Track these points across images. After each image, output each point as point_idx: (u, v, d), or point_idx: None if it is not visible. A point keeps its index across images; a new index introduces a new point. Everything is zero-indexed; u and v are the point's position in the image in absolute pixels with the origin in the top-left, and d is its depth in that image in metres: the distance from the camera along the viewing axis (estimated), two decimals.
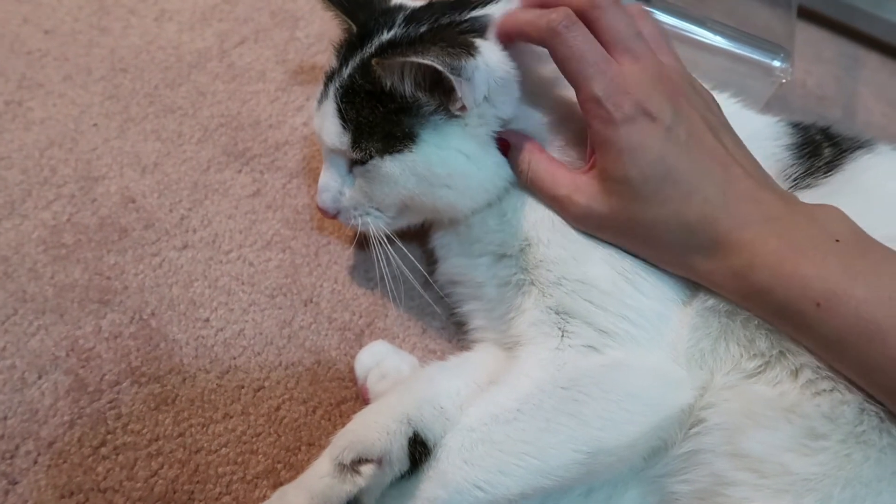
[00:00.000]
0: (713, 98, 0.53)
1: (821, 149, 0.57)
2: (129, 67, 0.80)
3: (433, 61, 0.49)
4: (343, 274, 0.68)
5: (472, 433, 0.48)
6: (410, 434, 0.49)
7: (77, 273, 0.64)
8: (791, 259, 0.45)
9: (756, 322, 0.48)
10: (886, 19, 1.08)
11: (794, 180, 0.55)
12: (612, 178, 0.49)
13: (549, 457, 0.47)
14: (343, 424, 0.51)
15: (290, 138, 0.77)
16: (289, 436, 0.58)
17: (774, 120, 0.61)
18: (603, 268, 0.52)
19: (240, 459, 0.56)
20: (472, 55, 0.49)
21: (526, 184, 0.55)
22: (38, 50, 0.80)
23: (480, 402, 0.50)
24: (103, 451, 0.55)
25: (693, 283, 0.51)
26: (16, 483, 0.52)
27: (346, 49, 0.58)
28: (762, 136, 0.58)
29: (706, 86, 0.61)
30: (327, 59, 0.64)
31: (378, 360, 0.61)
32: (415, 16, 0.57)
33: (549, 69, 0.54)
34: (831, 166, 0.56)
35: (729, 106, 0.61)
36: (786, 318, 0.46)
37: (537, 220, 0.55)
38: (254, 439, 0.58)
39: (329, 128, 0.57)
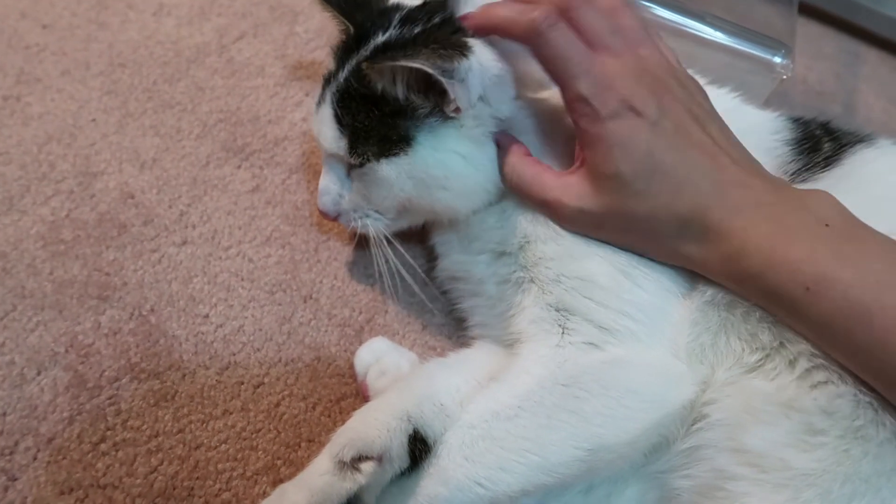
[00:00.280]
0: (698, 87, 0.53)
1: (820, 143, 0.57)
2: (127, 62, 0.80)
3: (422, 64, 0.48)
4: (343, 270, 0.68)
5: (473, 430, 0.48)
6: (410, 431, 0.49)
7: (76, 269, 0.63)
8: (781, 244, 0.45)
9: (758, 315, 0.48)
10: (887, 15, 1.08)
11: (793, 175, 0.55)
12: (602, 176, 0.49)
13: (549, 454, 0.47)
14: (343, 421, 0.51)
15: (290, 134, 0.77)
16: (288, 432, 0.58)
17: (774, 115, 0.61)
18: (601, 264, 0.52)
19: (239, 456, 0.56)
20: (465, 55, 0.48)
21: (511, 189, 0.55)
22: (36, 45, 0.79)
23: (481, 398, 0.50)
24: (103, 447, 0.55)
25: (691, 277, 0.51)
26: (15, 479, 0.52)
27: (343, 51, 0.58)
28: (761, 130, 0.58)
29: (705, 81, 0.61)
30: (326, 57, 0.64)
31: (378, 356, 0.61)
32: (410, 16, 0.56)
33: (532, 67, 0.53)
34: (830, 161, 0.56)
35: (728, 101, 0.61)
36: (776, 302, 0.46)
37: (536, 217, 0.54)
38: (253, 436, 0.57)
39: (326, 133, 0.57)
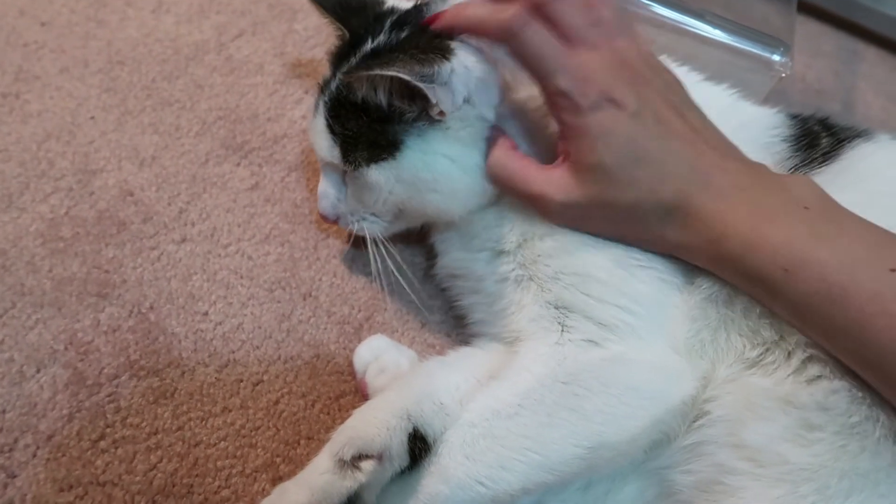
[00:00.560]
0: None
1: (818, 139, 0.57)
2: (126, 60, 0.80)
3: (398, 72, 0.49)
4: (342, 268, 0.68)
5: (474, 428, 0.48)
6: (410, 430, 0.49)
7: (75, 266, 0.63)
8: (760, 227, 0.46)
9: (758, 311, 0.49)
10: (886, 13, 1.08)
11: (791, 170, 0.55)
12: (586, 167, 0.49)
13: (550, 452, 0.47)
14: (342, 418, 0.51)
15: (289, 131, 0.77)
16: (288, 429, 0.58)
17: (772, 111, 0.61)
18: (599, 257, 0.52)
19: (239, 453, 0.56)
20: (445, 59, 0.48)
21: (495, 182, 0.54)
22: (34, 42, 0.79)
23: (481, 397, 0.50)
24: (102, 444, 0.55)
25: (689, 269, 0.51)
26: (14, 476, 0.52)
27: (338, 58, 0.58)
28: (759, 126, 0.58)
29: (702, 77, 0.61)
30: (325, 57, 0.64)
31: (377, 354, 0.61)
32: (399, 20, 0.56)
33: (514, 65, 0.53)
34: (828, 156, 0.56)
35: (725, 97, 0.61)
36: (757, 284, 0.47)
37: (534, 215, 0.54)
38: (253, 433, 0.57)
39: (320, 142, 0.58)
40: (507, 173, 0.53)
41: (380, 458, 0.47)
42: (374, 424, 0.48)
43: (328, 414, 0.60)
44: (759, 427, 0.46)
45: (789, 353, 0.48)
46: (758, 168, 0.50)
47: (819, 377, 0.46)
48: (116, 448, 0.55)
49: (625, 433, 0.48)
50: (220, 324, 0.63)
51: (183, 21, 0.85)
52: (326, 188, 0.61)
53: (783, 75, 0.77)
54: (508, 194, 0.54)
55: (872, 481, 0.43)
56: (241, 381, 0.60)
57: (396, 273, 0.62)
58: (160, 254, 0.66)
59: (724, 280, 0.49)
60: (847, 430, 0.44)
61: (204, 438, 0.56)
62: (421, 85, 0.49)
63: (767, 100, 0.76)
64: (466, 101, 0.53)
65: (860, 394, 0.45)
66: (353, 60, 0.56)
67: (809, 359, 0.47)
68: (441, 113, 0.52)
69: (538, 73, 0.49)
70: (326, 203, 0.61)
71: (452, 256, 0.61)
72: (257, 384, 0.60)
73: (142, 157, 0.72)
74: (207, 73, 0.80)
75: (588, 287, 0.51)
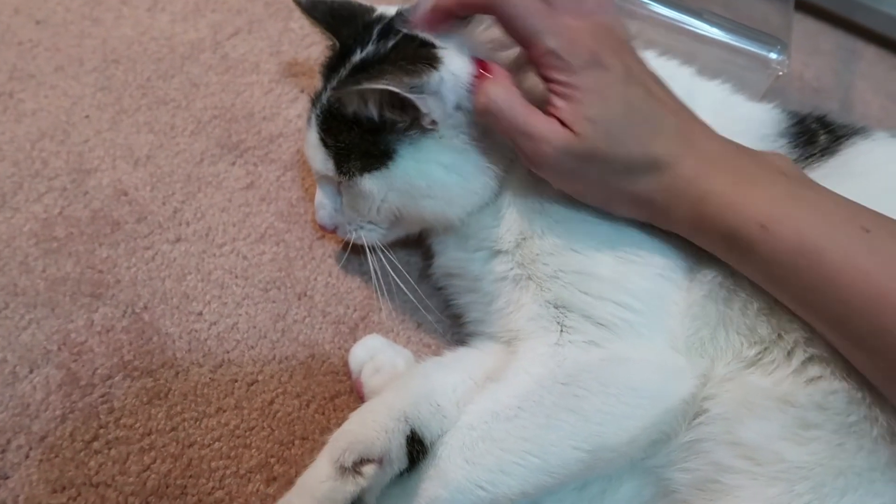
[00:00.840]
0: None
1: (816, 136, 0.57)
2: (121, 58, 0.79)
3: (387, 84, 0.48)
4: (337, 267, 0.68)
5: (473, 431, 0.48)
6: (408, 432, 0.48)
7: (69, 266, 0.63)
8: (741, 186, 0.47)
9: (755, 308, 0.49)
10: (885, 12, 1.07)
11: None
12: (583, 119, 0.48)
13: (549, 454, 0.47)
14: (337, 418, 0.51)
15: (284, 130, 0.77)
16: (282, 430, 0.58)
17: (769, 106, 0.61)
18: (600, 254, 0.51)
19: (233, 454, 0.56)
20: (434, 68, 0.48)
21: (486, 114, 0.50)
22: (29, 40, 0.79)
23: (480, 399, 0.50)
24: (95, 445, 0.54)
25: (689, 267, 0.51)
26: (7, 478, 0.52)
27: (329, 69, 0.58)
28: (755, 121, 0.58)
29: (703, 77, 0.61)
30: (321, 52, 0.63)
31: (372, 354, 0.61)
32: (385, 29, 0.56)
33: (504, 55, 0.53)
34: (826, 153, 0.56)
35: (722, 92, 0.61)
36: (733, 244, 0.47)
37: (532, 214, 0.54)
38: (247, 433, 0.57)
39: (314, 156, 0.58)
40: (508, 106, 0.49)
41: (381, 461, 0.46)
42: (372, 427, 0.48)
43: (323, 414, 0.59)
44: (756, 425, 0.46)
45: (789, 353, 0.48)
46: (736, 143, 0.51)
47: (819, 378, 0.46)
48: (110, 449, 0.54)
49: (624, 434, 0.47)
50: (215, 324, 0.62)
51: (178, 19, 0.85)
52: (322, 199, 0.61)
53: (780, 73, 0.77)
54: (500, 130, 0.51)
55: (868, 480, 0.43)
56: (236, 381, 0.60)
57: (395, 276, 0.62)
58: (154, 253, 0.65)
59: (718, 270, 0.50)
60: (844, 429, 0.44)
61: (198, 439, 0.56)
62: (411, 96, 0.49)
63: (765, 98, 0.76)
64: (458, 107, 0.52)
65: (859, 394, 0.45)
66: (343, 73, 0.56)
67: (810, 359, 0.47)
68: (433, 122, 0.52)
69: (525, 33, 0.48)
70: (324, 213, 0.61)
71: (449, 256, 0.61)
72: (252, 384, 0.60)
73: (136, 156, 0.72)
74: (203, 72, 0.80)
75: (588, 285, 0.51)
